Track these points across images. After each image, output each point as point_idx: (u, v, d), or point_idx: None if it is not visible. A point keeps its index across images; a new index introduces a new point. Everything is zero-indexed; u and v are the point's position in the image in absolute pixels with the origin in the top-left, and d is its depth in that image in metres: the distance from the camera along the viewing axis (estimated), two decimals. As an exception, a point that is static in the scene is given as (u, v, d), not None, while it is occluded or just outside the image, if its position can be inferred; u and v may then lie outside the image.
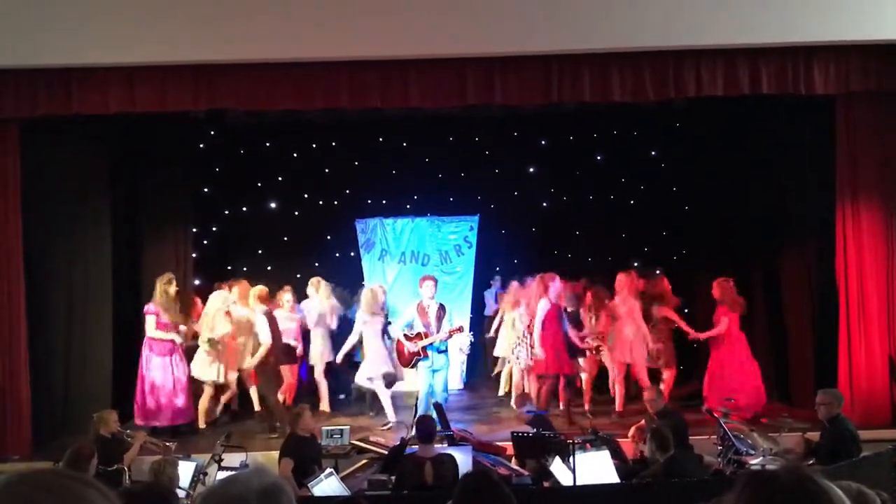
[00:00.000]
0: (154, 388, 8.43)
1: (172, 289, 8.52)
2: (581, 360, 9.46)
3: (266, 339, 8.63)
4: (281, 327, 9.21)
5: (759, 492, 1.49)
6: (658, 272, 10.04)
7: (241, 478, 1.75)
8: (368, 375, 9.14)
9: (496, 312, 10.67)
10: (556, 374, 8.99)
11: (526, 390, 9.58)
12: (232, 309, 8.94)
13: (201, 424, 8.84)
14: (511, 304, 9.81)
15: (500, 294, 10.91)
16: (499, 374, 10.60)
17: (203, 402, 8.88)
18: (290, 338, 9.52)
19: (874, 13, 7.86)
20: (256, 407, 8.98)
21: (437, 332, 8.57)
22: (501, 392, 10.44)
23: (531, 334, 9.16)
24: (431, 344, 8.58)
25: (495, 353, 10.51)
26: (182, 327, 8.84)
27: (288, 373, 9.47)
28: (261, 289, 9.05)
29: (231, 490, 1.69)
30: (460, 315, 10.41)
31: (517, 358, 9.49)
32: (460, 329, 8.83)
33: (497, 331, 10.39)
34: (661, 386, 8.93)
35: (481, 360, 11.47)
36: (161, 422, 8.40)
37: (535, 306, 9.12)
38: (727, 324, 8.79)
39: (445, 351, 8.73)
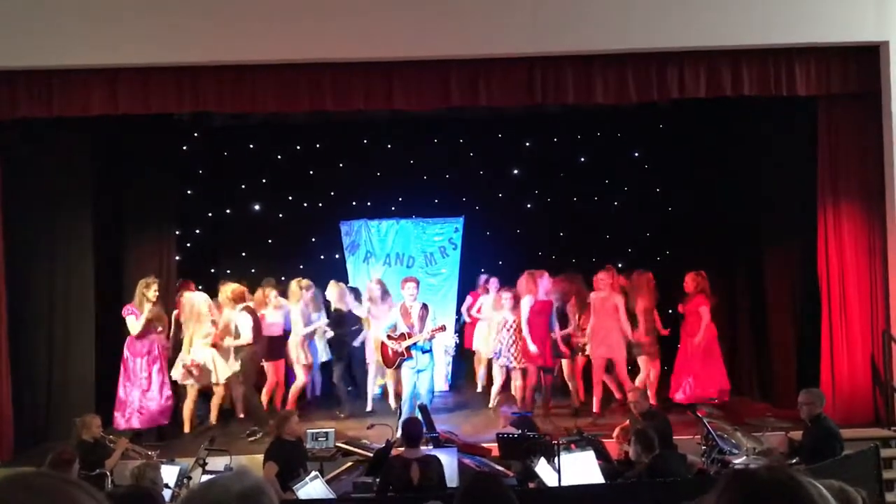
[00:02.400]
0: (135, 390, 8.35)
1: (150, 293, 8.43)
2: (564, 363, 9.50)
3: (247, 336, 8.61)
4: (265, 323, 9.27)
5: (741, 491, 1.50)
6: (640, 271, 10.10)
7: (221, 481, 1.74)
8: None
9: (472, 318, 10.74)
10: (538, 367, 9.06)
11: (513, 392, 9.59)
12: (214, 311, 8.91)
13: (186, 429, 8.77)
14: (496, 305, 9.82)
15: (474, 293, 10.93)
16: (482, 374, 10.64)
17: (188, 407, 8.83)
18: (274, 335, 9.49)
19: (854, 16, 7.94)
20: (213, 419, 9.00)
21: (421, 332, 8.57)
22: (480, 388, 10.50)
23: (519, 333, 9.18)
24: (415, 344, 8.56)
25: (475, 346, 10.52)
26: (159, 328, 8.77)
27: (272, 371, 9.44)
28: (236, 287, 9.02)
29: (211, 494, 1.68)
30: (445, 317, 10.41)
31: (498, 358, 9.50)
32: (443, 328, 8.83)
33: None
34: (639, 382, 9.00)
35: (466, 363, 11.46)
36: (142, 424, 8.33)
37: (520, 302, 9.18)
38: (707, 313, 8.87)
39: (430, 351, 8.71)
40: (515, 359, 9.23)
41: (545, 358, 9.01)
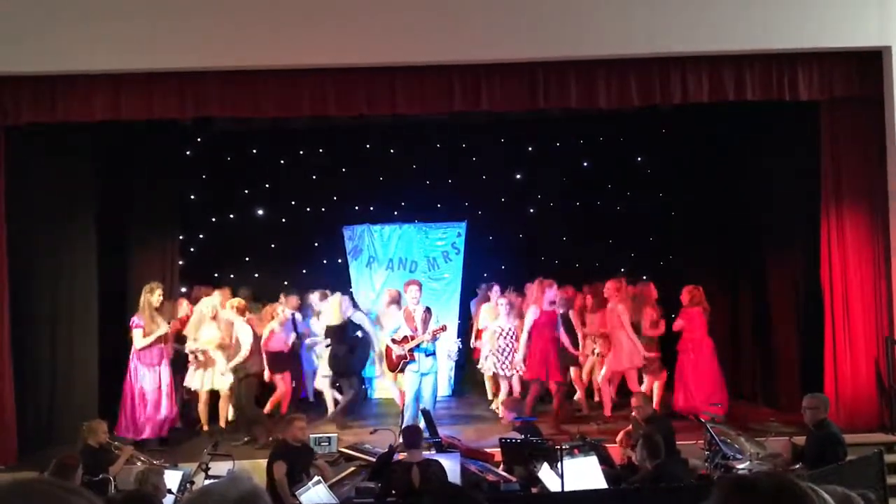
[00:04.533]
0: (142, 400, 8.35)
1: (154, 298, 8.45)
2: (572, 369, 9.48)
3: (246, 347, 8.63)
4: (275, 337, 9.24)
5: (742, 498, 1.49)
6: (645, 278, 10.09)
7: (217, 488, 1.72)
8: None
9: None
10: (542, 380, 9.00)
11: (515, 394, 9.57)
12: (220, 314, 8.93)
13: (205, 427, 8.91)
14: (493, 313, 9.80)
15: (477, 302, 10.87)
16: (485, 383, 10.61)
17: (201, 408, 8.96)
18: (281, 347, 9.47)
19: (857, 21, 7.94)
20: (231, 416, 9.04)
21: (424, 334, 8.56)
22: (490, 396, 10.45)
23: (517, 340, 9.17)
24: (418, 346, 8.56)
25: (480, 366, 10.39)
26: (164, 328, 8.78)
27: (281, 382, 9.41)
28: (238, 301, 9.04)
29: (209, 500, 1.68)
30: (448, 322, 10.38)
31: (499, 363, 9.48)
32: (444, 328, 8.82)
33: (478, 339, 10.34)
34: (644, 388, 8.97)
35: (470, 368, 11.43)
36: (147, 433, 8.33)
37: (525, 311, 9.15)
38: (697, 326, 8.86)
39: (433, 354, 8.70)
40: (509, 367, 9.24)
41: (548, 370, 8.96)
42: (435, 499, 3.17)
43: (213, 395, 9.07)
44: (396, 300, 9.52)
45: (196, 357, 8.83)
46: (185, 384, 9.02)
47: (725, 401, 8.73)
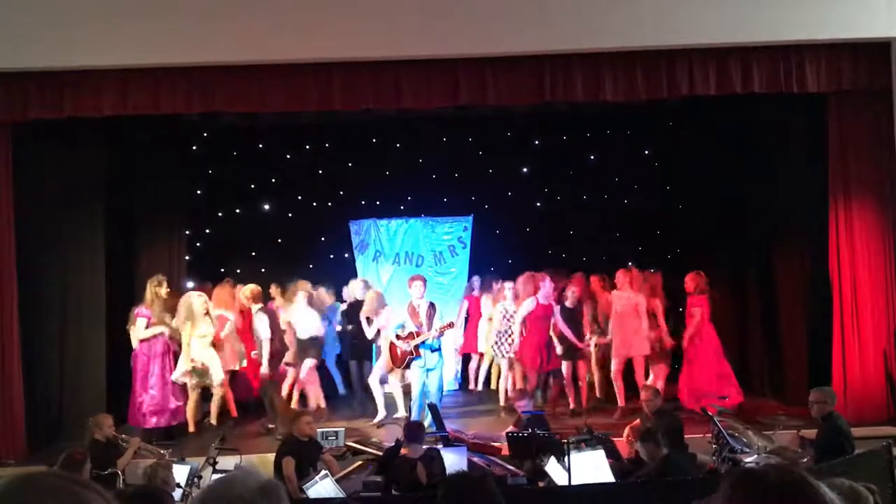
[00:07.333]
0: (148, 390, 8.39)
1: (163, 290, 8.50)
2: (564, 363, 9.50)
3: (265, 335, 8.63)
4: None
5: (750, 492, 1.49)
6: (653, 270, 10.06)
7: (238, 478, 1.77)
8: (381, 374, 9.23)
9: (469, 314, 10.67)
10: (539, 372, 9.06)
11: (519, 386, 9.58)
12: (211, 310, 8.89)
13: (191, 429, 8.75)
14: (493, 300, 9.86)
15: (470, 297, 10.84)
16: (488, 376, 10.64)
17: (190, 408, 8.77)
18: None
19: (865, 12, 7.89)
20: (213, 420, 8.91)
21: (429, 330, 8.57)
22: (476, 386, 10.61)
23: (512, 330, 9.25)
24: (424, 342, 8.57)
25: (479, 348, 10.47)
26: (169, 327, 8.77)
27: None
28: (251, 288, 9.02)
29: (232, 491, 1.70)
30: (454, 315, 10.40)
31: (498, 350, 9.53)
32: (451, 325, 8.84)
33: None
34: (651, 382, 8.97)
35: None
36: (156, 423, 8.37)
37: (522, 301, 9.18)
38: (700, 313, 8.86)
39: (439, 349, 8.72)
40: (507, 349, 9.36)
41: (542, 362, 8.99)
42: (451, 488, 3.17)
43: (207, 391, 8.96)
44: (379, 305, 9.45)
45: (191, 373, 8.61)
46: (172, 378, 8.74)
47: (735, 390, 8.73)
